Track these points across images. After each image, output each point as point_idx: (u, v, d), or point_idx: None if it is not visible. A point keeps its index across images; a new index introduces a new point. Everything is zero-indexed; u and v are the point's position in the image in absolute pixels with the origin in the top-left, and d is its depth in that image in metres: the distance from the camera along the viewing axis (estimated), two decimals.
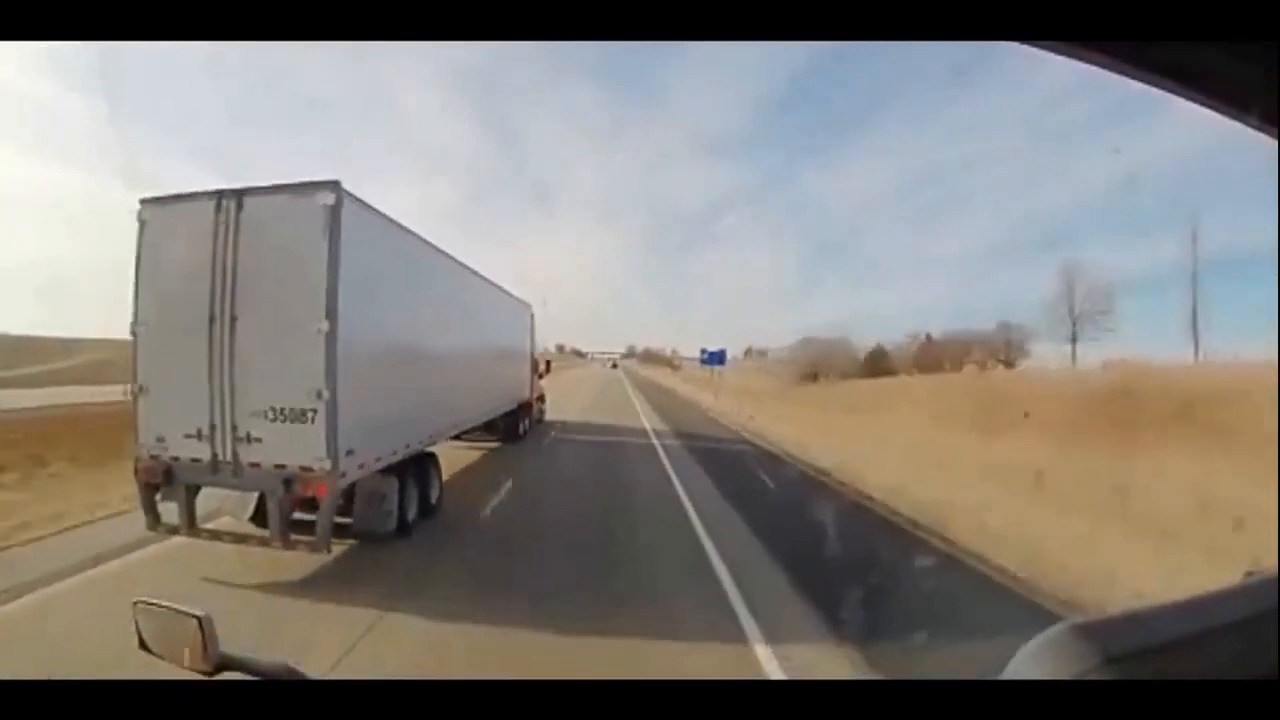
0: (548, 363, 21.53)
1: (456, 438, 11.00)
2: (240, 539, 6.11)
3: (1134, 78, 0.79)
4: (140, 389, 6.07)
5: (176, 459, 5.96)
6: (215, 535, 6.13)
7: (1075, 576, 6.63)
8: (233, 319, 5.82)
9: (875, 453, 14.92)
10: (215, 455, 5.86)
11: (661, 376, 66.01)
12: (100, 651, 3.65)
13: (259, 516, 6.29)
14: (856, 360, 38.16)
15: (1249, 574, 0.69)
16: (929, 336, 39.23)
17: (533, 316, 17.27)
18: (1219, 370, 17.04)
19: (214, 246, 5.86)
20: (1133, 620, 0.59)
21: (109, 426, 13.38)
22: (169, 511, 6.09)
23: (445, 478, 8.82)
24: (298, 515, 5.93)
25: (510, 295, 14.65)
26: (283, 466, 5.74)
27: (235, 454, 5.82)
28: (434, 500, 8.20)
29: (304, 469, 5.72)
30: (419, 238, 8.09)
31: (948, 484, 11.41)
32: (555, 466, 12.98)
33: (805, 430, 18.88)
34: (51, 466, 10.59)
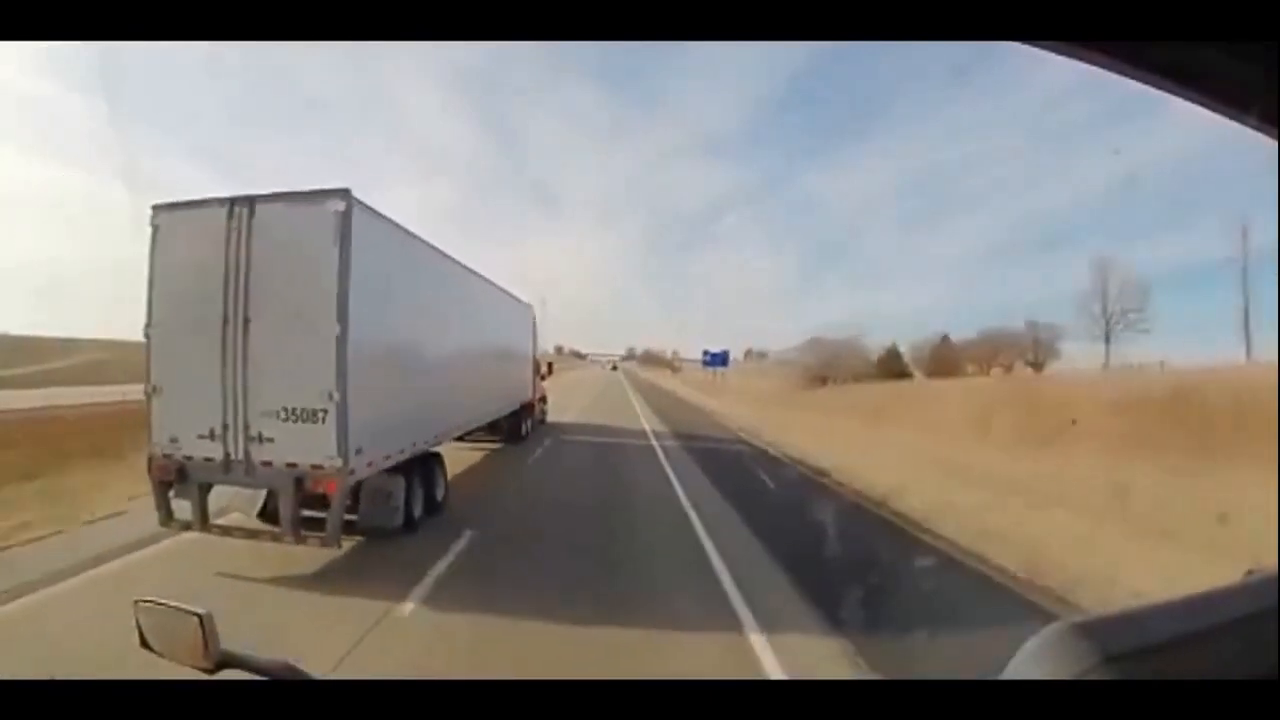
0: (549, 364, 21.66)
1: (460, 438, 11.11)
2: (252, 535, 6.29)
3: (1134, 78, 0.80)
4: (154, 390, 6.23)
5: (190, 458, 6.13)
6: (227, 531, 6.29)
7: None
8: (245, 322, 6.00)
9: (933, 476, 12.07)
10: (228, 454, 6.03)
11: (662, 379, 65.73)
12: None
13: (266, 514, 6.54)
14: (867, 362, 36.38)
15: (1249, 573, 0.69)
16: (946, 337, 37.28)
17: (534, 318, 17.41)
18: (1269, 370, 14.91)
19: (227, 252, 6.04)
20: (1132, 619, 0.59)
21: (108, 428, 13.45)
22: (181, 508, 6.26)
23: (449, 477, 8.92)
24: (306, 513, 6.07)
25: (513, 297, 14.77)
26: (294, 465, 5.92)
27: (248, 453, 5.99)
28: (440, 498, 8.37)
29: (315, 467, 5.89)
30: (425, 242, 8.26)
31: (1035, 515, 8.93)
32: (557, 466, 13.02)
33: (830, 443, 16.21)
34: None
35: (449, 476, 8.88)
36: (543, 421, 18.88)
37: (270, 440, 5.95)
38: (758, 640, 4.92)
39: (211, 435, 6.04)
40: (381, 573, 6.04)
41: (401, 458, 7.17)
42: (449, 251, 9.34)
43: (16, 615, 5.00)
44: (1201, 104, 0.79)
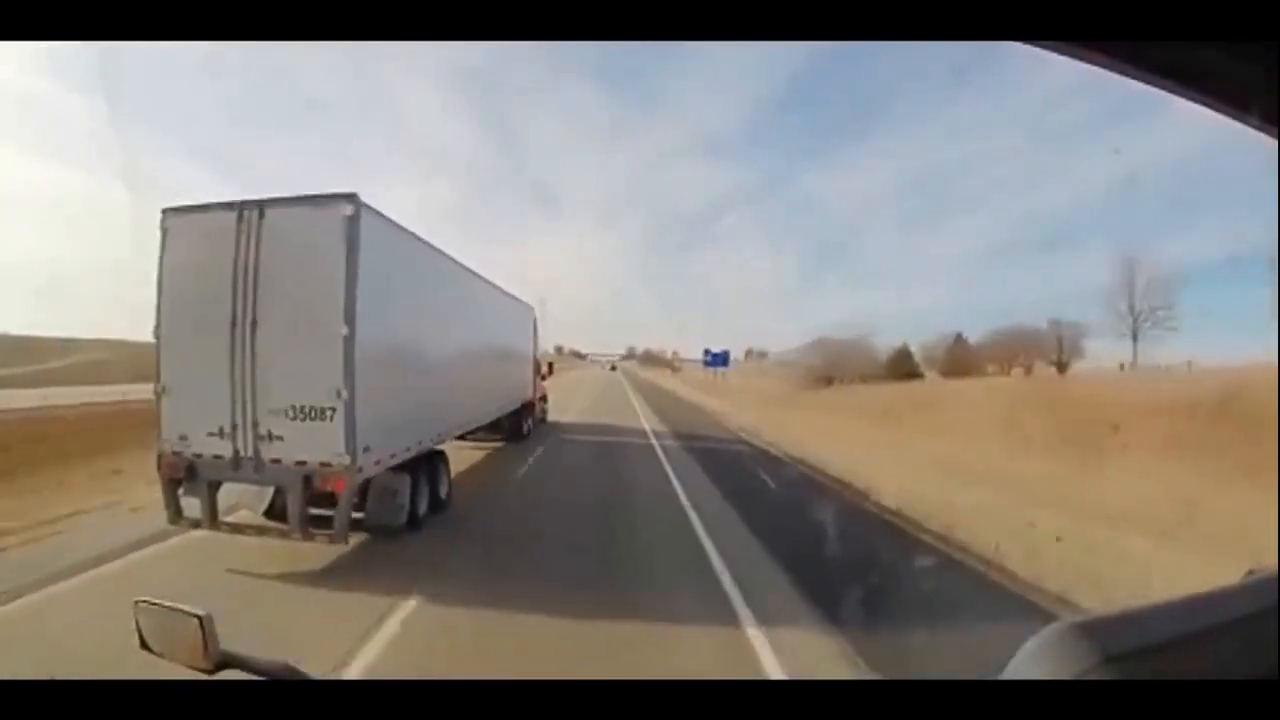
0: (550, 364, 21.85)
1: (462, 437, 11.22)
2: (261, 532, 6.36)
3: (1134, 78, 0.79)
4: (163, 389, 6.33)
5: (199, 456, 6.21)
6: (236, 528, 6.38)
7: None
8: (254, 323, 6.10)
9: (982, 493, 10.20)
10: (237, 452, 6.12)
11: (661, 379, 65.52)
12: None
13: (272, 512, 6.64)
14: (874, 362, 34.89)
15: (1249, 573, 0.69)
16: (960, 336, 35.41)
17: (535, 319, 17.55)
18: None
19: (236, 254, 6.13)
20: (1132, 619, 0.59)
21: (105, 428, 13.41)
22: (189, 506, 6.35)
23: (453, 475, 9.01)
24: (313, 511, 6.15)
25: (514, 298, 14.90)
26: (303, 463, 6.01)
27: (257, 451, 6.09)
28: (443, 496, 8.48)
29: (323, 465, 5.98)
30: (429, 245, 8.40)
31: (1127, 546, 7.44)
32: (558, 465, 13.02)
33: (850, 450, 14.52)
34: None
35: (452, 475, 8.96)
36: (543, 420, 18.97)
37: (279, 438, 6.04)
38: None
39: (221, 433, 6.13)
40: (386, 569, 6.17)
41: (407, 456, 7.27)
42: (449, 252, 9.39)
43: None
44: (1201, 104, 0.79)
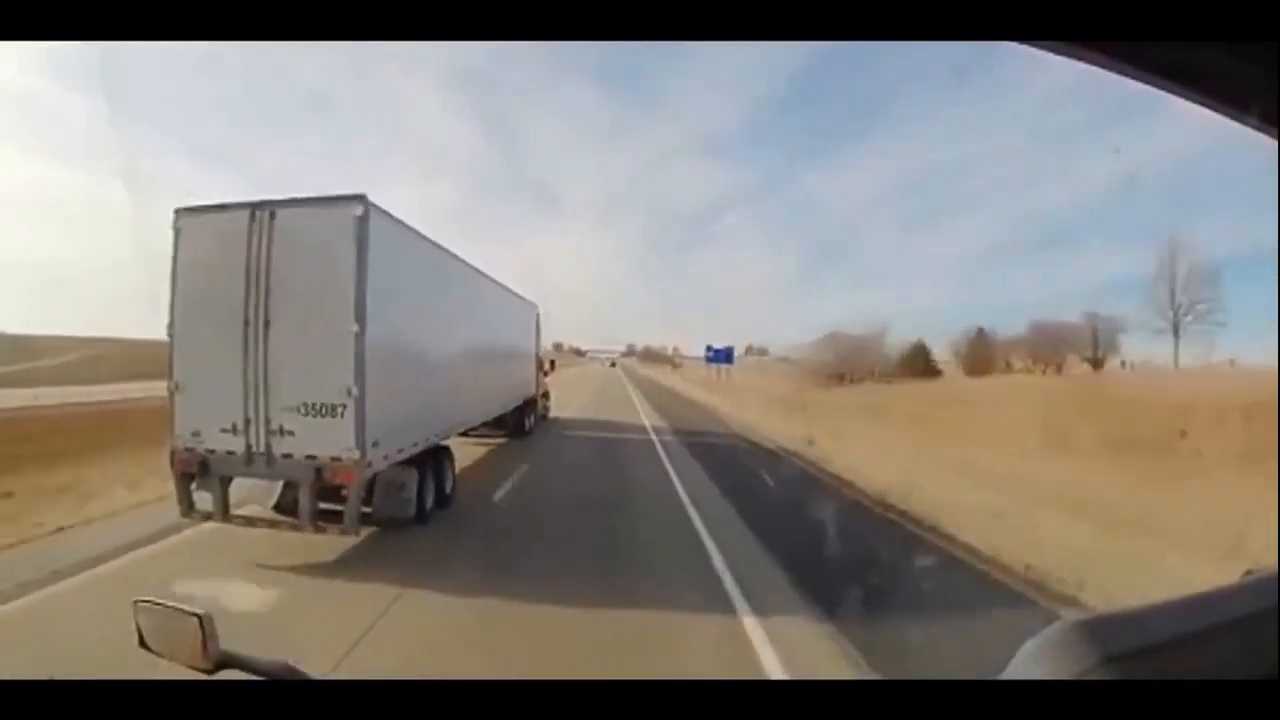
0: (552, 361, 21.95)
1: (465, 434, 11.32)
2: (272, 525, 6.53)
3: (1134, 78, 0.79)
4: (176, 386, 6.47)
5: (212, 451, 6.36)
6: (249, 521, 6.53)
7: None
8: (266, 322, 6.24)
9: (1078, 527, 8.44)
10: (249, 447, 6.27)
11: (662, 376, 65.29)
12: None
13: (281, 507, 6.77)
14: (887, 359, 33.18)
15: (1248, 573, 0.69)
16: (981, 331, 33.16)
17: (538, 315, 17.65)
18: None
19: (248, 254, 6.27)
20: (1133, 619, 0.59)
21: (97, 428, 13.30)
22: (202, 500, 6.50)
23: (456, 472, 9.13)
24: (322, 505, 6.32)
25: (518, 295, 15.04)
26: (314, 457, 6.16)
27: (269, 446, 6.24)
28: (448, 490, 8.60)
29: (334, 459, 6.14)
30: (436, 244, 8.54)
31: None
32: (561, 464, 13.03)
33: (895, 464, 12.34)
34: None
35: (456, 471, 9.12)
36: (545, 417, 19.04)
37: (291, 434, 6.19)
38: None
39: (234, 429, 6.27)
40: (397, 560, 6.30)
41: (414, 451, 7.44)
42: (450, 250, 9.41)
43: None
44: (1201, 104, 0.79)
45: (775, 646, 4.73)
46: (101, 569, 5.92)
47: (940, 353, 33.75)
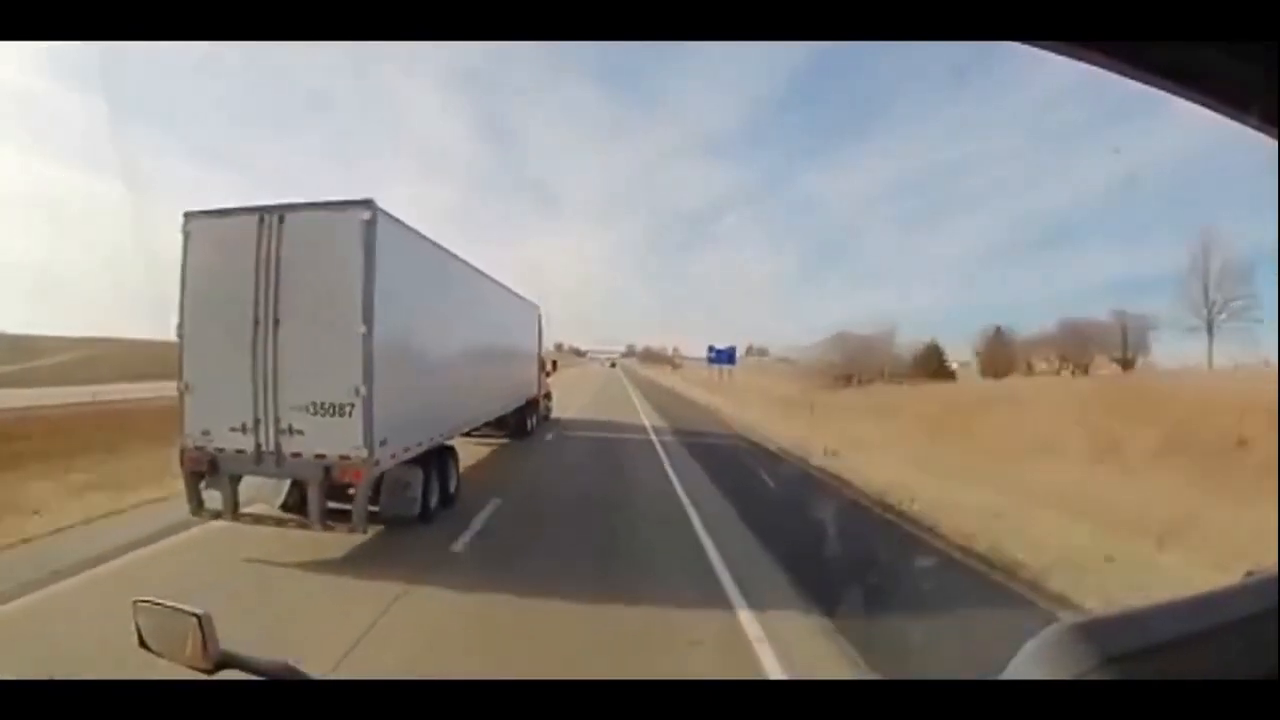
0: (554, 362, 22.06)
1: (468, 434, 11.42)
2: (280, 523, 6.66)
3: (1134, 78, 0.79)
4: (186, 387, 6.59)
5: (221, 450, 6.48)
6: (258, 519, 6.65)
7: None
8: (275, 323, 6.35)
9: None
10: (259, 446, 6.38)
11: (662, 376, 65.19)
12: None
13: (287, 506, 6.93)
14: (896, 359, 31.79)
15: (1249, 573, 0.69)
16: (999, 330, 31.65)
17: (540, 317, 17.78)
18: None
19: (257, 257, 6.39)
20: (1133, 620, 0.59)
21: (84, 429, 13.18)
22: (211, 498, 6.63)
23: (460, 471, 9.23)
24: (330, 504, 6.46)
25: (520, 297, 15.17)
26: (322, 456, 6.29)
27: (278, 445, 6.36)
28: (452, 489, 8.69)
29: (343, 458, 6.27)
30: (441, 247, 8.67)
31: None
32: (561, 463, 13.03)
33: (938, 484, 10.91)
34: None
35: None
36: (547, 418, 19.11)
37: (300, 433, 6.31)
38: None
39: (244, 429, 6.38)
40: (403, 557, 6.45)
41: (419, 450, 7.55)
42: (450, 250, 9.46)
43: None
44: (1201, 104, 0.79)
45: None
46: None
47: (954, 353, 32.32)
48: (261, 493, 6.91)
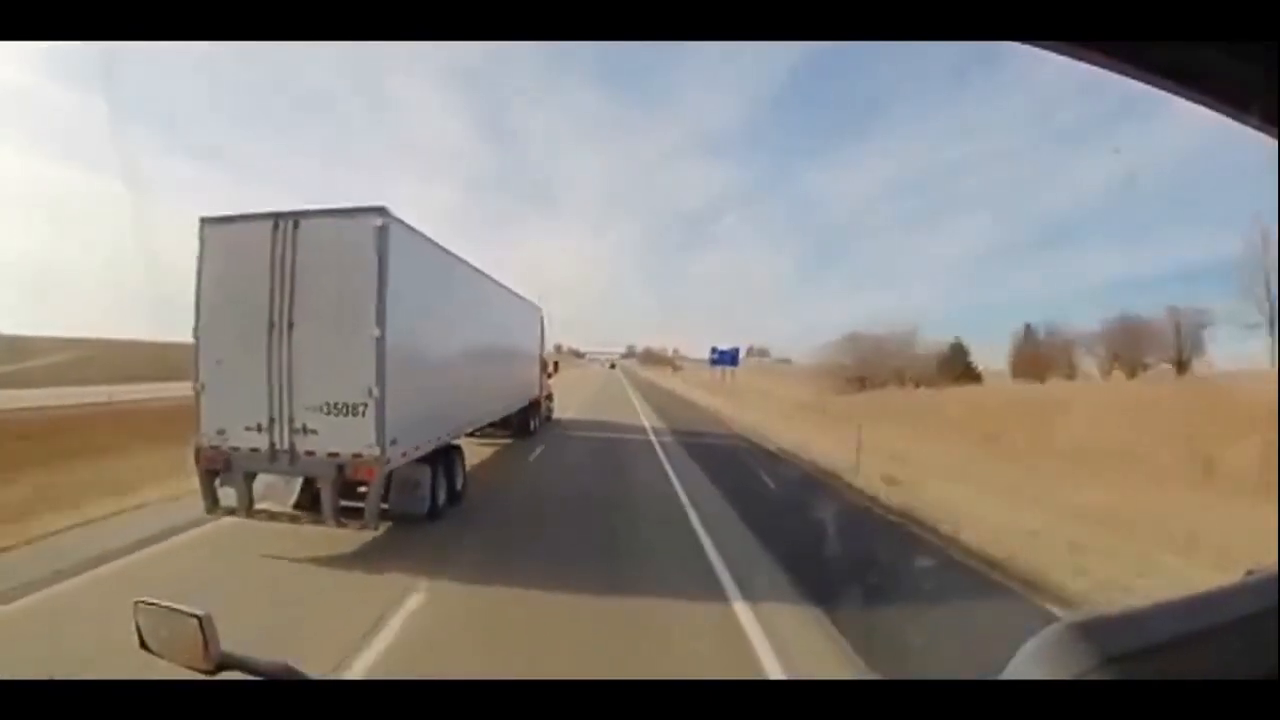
0: (555, 363, 22.34)
1: (472, 434, 11.58)
2: (294, 519, 6.85)
3: (1134, 78, 0.79)
4: (201, 387, 6.79)
5: (236, 449, 6.68)
6: (272, 516, 6.84)
7: None
8: (290, 326, 6.57)
9: None
10: (273, 445, 6.60)
11: (662, 378, 65.04)
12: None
13: (299, 504, 7.04)
14: (914, 360, 29.36)
15: (1249, 572, 0.69)
16: (1029, 328, 29.26)
17: (543, 319, 17.96)
18: None
19: (272, 262, 6.59)
20: (1133, 619, 0.59)
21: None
22: (226, 496, 6.85)
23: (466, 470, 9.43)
24: (341, 502, 6.66)
25: (523, 299, 15.38)
26: (336, 454, 6.50)
27: (292, 444, 6.57)
28: (459, 487, 8.91)
29: (355, 456, 6.48)
30: (449, 252, 8.86)
31: None
32: (562, 463, 13.02)
33: (1033, 523, 8.80)
34: None
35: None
36: (549, 418, 19.26)
37: (314, 432, 6.51)
38: None
39: (259, 428, 6.58)
40: (413, 551, 6.72)
41: (428, 449, 7.73)
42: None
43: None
44: (1201, 104, 0.79)
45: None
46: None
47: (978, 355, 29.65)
48: (272, 491, 7.07)
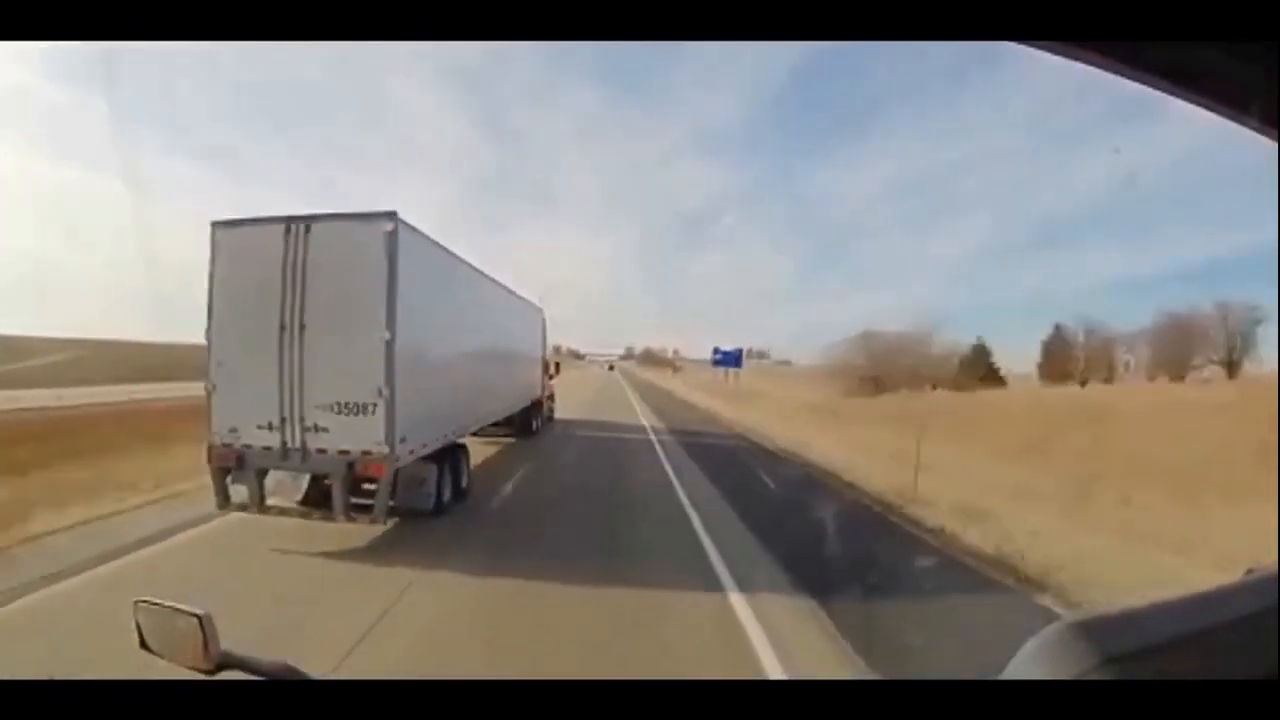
0: (557, 364, 22.56)
1: (475, 434, 11.67)
2: (304, 515, 7.04)
3: (1133, 78, 0.79)
4: (213, 387, 6.95)
5: (249, 446, 6.84)
6: (283, 512, 7.04)
7: None
8: (301, 327, 6.72)
9: None
10: (285, 443, 6.75)
11: (661, 379, 64.87)
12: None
13: (306, 500, 7.32)
14: (931, 361, 27.39)
15: (1249, 571, 0.69)
16: (1058, 328, 27.31)
17: (544, 320, 18.11)
18: None
19: (284, 265, 6.75)
20: (1133, 619, 0.59)
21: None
22: (237, 493, 7.02)
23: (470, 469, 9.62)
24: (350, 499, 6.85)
25: (526, 301, 15.60)
26: (346, 452, 6.67)
27: (304, 442, 6.73)
28: (464, 485, 9.07)
29: (365, 453, 6.65)
30: (455, 255, 9.05)
31: None
32: (566, 465, 13.06)
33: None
34: None
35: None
36: (550, 419, 19.39)
37: (325, 430, 6.68)
38: None
39: (270, 426, 6.74)
40: (420, 546, 6.91)
41: (435, 447, 7.94)
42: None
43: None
44: (1201, 104, 0.79)
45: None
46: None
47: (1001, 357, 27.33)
48: (280, 488, 7.21)
